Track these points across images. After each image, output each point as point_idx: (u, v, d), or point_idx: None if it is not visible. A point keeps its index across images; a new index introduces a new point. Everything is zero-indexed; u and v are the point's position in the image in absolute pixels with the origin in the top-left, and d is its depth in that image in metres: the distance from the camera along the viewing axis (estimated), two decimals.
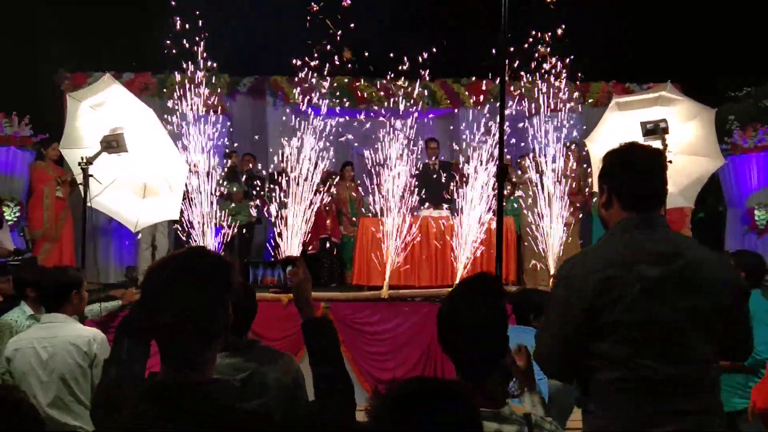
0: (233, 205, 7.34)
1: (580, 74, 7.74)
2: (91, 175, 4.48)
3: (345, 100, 8.65)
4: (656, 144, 4.90)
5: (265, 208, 6.64)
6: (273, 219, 6.47)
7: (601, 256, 1.79)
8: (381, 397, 1.18)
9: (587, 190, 7.09)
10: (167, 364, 1.37)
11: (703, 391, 1.76)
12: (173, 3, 6.39)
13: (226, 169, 7.12)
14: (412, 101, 7.57)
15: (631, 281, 1.72)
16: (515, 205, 7.43)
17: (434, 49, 7.36)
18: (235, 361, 2.28)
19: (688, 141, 5.27)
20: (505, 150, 7.36)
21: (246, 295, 2.37)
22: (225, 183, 6.78)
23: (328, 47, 6.89)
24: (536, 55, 6.68)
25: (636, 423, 1.72)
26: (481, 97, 8.88)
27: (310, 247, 7.20)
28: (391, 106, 7.43)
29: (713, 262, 1.81)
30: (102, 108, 4.75)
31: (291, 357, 2.39)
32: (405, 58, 7.46)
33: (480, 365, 1.68)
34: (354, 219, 7.81)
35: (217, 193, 6.29)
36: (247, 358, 2.29)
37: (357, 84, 8.88)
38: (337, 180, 7.88)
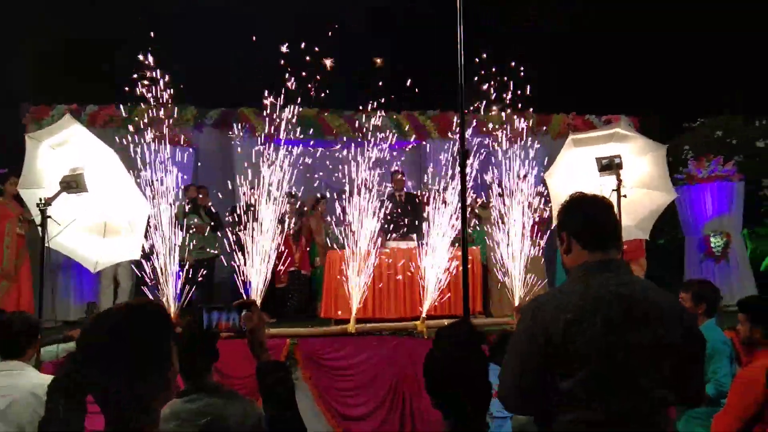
0: (194, 241, 7.25)
1: (541, 105, 7.96)
2: (50, 216, 4.40)
3: (311, 131, 8.70)
4: (611, 179, 5.08)
5: (233, 239, 6.58)
6: (237, 254, 6.42)
7: (567, 297, 1.84)
8: None
9: (547, 221, 7.24)
10: (110, 422, 1.37)
11: (659, 429, 1.81)
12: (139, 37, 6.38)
13: (186, 203, 7.04)
14: (378, 133, 7.67)
15: (593, 322, 1.77)
16: (477, 236, 7.53)
17: (402, 83, 7.49)
18: (195, 407, 2.28)
19: (642, 175, 5.45)
20: (470, 182, 7.54)
21: (204, 338, 2.36)
22: (187, 217, 6.72)
23: (294, 80, 6.95)
24: (495, 86, 6.85)
25: None
26: (449, 129, 9.04)
27: (278, 282, 7.16)
28: (358, 137, 7.51)
29: (673, 308, 1.89)
30: (62, 148, 4.70)
31: (254, 402, 2.38)
32: (373, 92, 7.57)
33: (467, 411, 1.76)
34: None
35: (178, 228, 6.22)
36: (209, 403, 2.29)
37: (324, 116, 8.97)
38: (307, 211, 7.90)
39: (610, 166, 5.07)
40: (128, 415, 1.35)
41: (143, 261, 5.72)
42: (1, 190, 7.04)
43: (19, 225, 6.68)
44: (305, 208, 8.06)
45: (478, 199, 8.01)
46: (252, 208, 6.32)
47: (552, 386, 1.81)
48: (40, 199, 4.40)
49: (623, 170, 5.06)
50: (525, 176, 6.95)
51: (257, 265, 6.02)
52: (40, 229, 4.47)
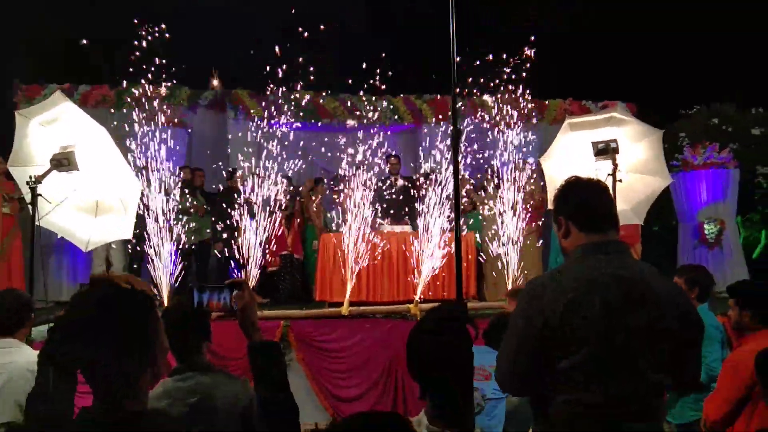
0: (193, 223, 7.22)
1: (538, 90, 7.92)
2: (40, 194, 4.36)
3: (308, 113, 8.65)
4: (607, 163, 5.06)
5: (228, 222, 6.55)
6: (233, 235, 6.40)
7: (566, 278, 1.83)
8: None
9: (544, 205, 7.24)
10: (98, 398, 1.36)
11: (652, 415, 1.82)
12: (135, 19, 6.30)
13: (180, 184, 7.00)
14: (375, 116, 7.62)
15: (592, 304, 1.76)
16: (472, 221, 7.52)
17: (396, 66, 7.43)
18: (187, 385, 2.27)
19: (637, 160, 5.44)
20: (467, 166, 7.52)
21: (195, 317, 2.35)
22: (183, 198, 6.67)
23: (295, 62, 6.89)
24: (495, 70, 6.81)
25: None
26: (445, 113, 8.99)
27: (269, 265, 7.14)
28: (354, 121, 7.47)
29: (671, 292, 1.87)
30: (53, 125, 4.64)
31: (246, 382, 2.37)
32: (370, 74, 7.51)
33: (449, 393, 1.73)
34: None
35: (175, 209, 6.19)
36: (199, 382, 2.28)
37: (320, 99, 8.90)
38: (305, 194, 7.87)
39: (606, 150, 5.05)
40: (115, 391, 1.34)
41: (136, 242, 5.69)
42: None
43: (4, 204, 6.59)
44: (300, 190, 8.02)
45: (473, 183, 7.98)
46: (245, 192, 6.28)
47: (549, 368, 1.80)
48: (30, 177, 4.35)
49: (619, 155, 5.05)
50: (524, 162, 6.94)
51: (252, 246, 6.00)
52: (30, 207, 4.43)
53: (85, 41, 6.65)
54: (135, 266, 7.06)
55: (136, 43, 6.28)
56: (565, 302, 1.77)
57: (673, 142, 8.68)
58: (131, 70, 6.57)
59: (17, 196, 6.42)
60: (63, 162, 4.44)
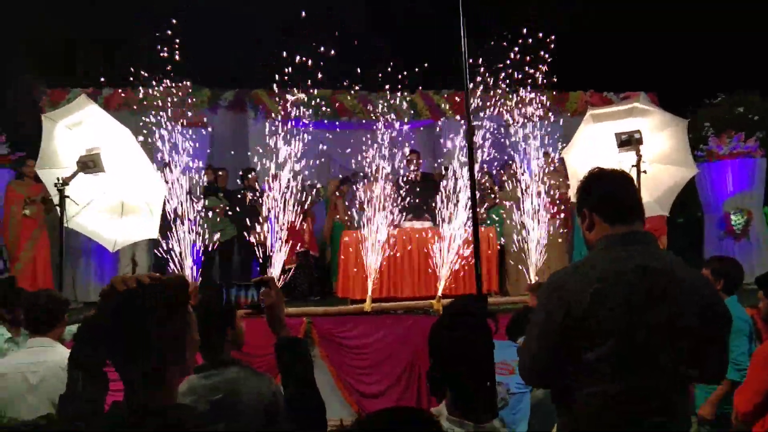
0: (218, 219, 7.32)
1: (558, 82, 7.82)
2: (68, 196, 4.45)
3: (327, 110, 8.67)
4: (631, 154, 4.99)
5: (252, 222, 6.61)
6: (256, 236, 6.46)
7: (591, 270, 1.82)
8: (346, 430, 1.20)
9: (567, 199, 7.17)
10: (128, 388, 1.38)
11: (674, 409, 1.80)
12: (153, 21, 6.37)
13: (203, 185, 7.09)
14: (393, 113, 7.61)
15: (618, 296, 1.75)
16: (496, 217, 7.49)
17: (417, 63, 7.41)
18: (211, 383, 2.28)
19: (661, 151, 5.34)
20: (486, 162, 7.47)
21: (221, 314, 2.37)
22: (205, 199, 6.75)
23: (310, 61, 6.91)
24: (510, 62, 6.75)
25: None
26: (464, 108, 8.93)
27: (286, 262, 7.20)
28: (373, 118, 7.46)
29: (698, 283, 1.85)
30: (78, 128, 4.72)
31: (271, 379, 2.39)
32: (387, 70, 7.50)
33: (468, 385, 1.74)
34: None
35: (199, 209, 6.27)
36: (223, 379, 2.29)
37: (338, 96, 8.92)
38: (331, 191, 7.93)
39: (629, 141, 4.98)
40: (144, 385, 1.36)
41: (161, 241, 5.77)
42: (21, 173, 7.11)
43: (25, 207, 6.72)
44: (317, 188, 8.08)
45: (494, 178, 7.93)
46: (269, 189, 6.32)
47: (572, 360, 1.79)
48: (58, 179, 4.44)
49: (643, 145, 4.98)
50: (545, 154, 6.86)
51: (275, 245, 6.05)
52: (58, 209, 4.52)
53: (100, 44, 6.74)
54: (160, 266, 7.16)
55: (158, 46, 6.35)
56: (590, 293, 1.75)
57: (698, 132, 8.53)
58: (150, 73, 6.66)
59: (40, 199, 6.54)
60: (89, 164, 4.52)
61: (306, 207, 7.41)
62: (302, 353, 1.71)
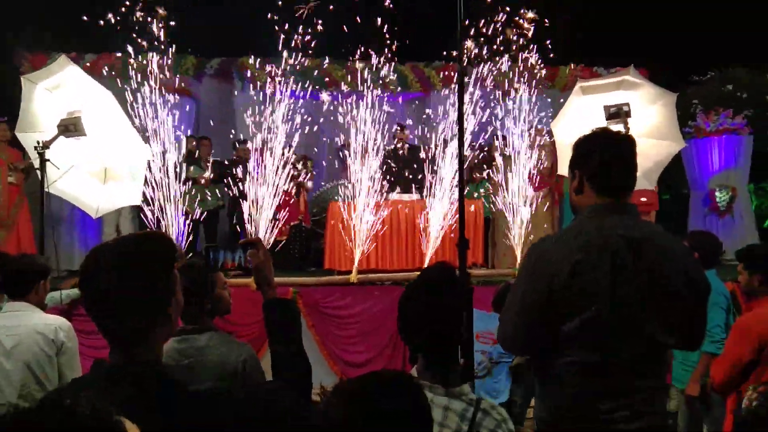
0: (204, 190, 7.23)
1: (548, 56, 7.77)
2: (48, 160, 4.35)
3: (315, 82, 8.54)
4: (618, 127, 4.98)
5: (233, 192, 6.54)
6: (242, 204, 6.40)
7: (574, 239, 1.81)
8: (332, 393, 1.19)
9: (554, 173, 7.17)
10: (114, 346, 1.35)
11: (655, 372, 1.83)
12: None
13: (183, 154, 6.98)
14: (381, 84, 7.52)
15: (601, 265, 1.75)
16: (482, 190, 7.48)
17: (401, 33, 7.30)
18: (182, 347, 2.27)
19: (650, 124, 5.35)
20: (473, 135, 7.44)
21: (200, 280, 2.34)
22: (187, 168, 6.67)
23: (299, 28, 6.77)
24: (503, 37, 6.68)
25: (589, 401, 1.77)
26: (453, 81, 8.86)
27: (279, 234, 7.16)
28: (360, 88, 7.36)
29: (678, 254, 1.85)
30: (58, 90, 4.61)
31: (244, 346, 2.37)
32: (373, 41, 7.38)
33: (436, 351, 1.72)
34: None
35: (181, 178, 6.18)
36: (192, 345, 2.28)
37: (325, 66, 8.79)
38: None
39: (618, 114, 4.97)
40: (131, 345, 1.33)
41: (145, 208, 5.70)
42: None
43: (10, 174, 6.59)
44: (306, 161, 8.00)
45: (484, 153, 7.89)
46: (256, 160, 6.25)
47: (553, 328, 1.80)
48: (38, 142, 4.34)
49: (631, 118, 4.97)
50: (536, 129, 6.83)
51: (263, 213, 6.00)
52: (38, 172, 4.43)
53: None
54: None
55: (139, 13, 6.18)
56: (572, 262, 1.75)
57: (686, 108, 8.55)
58: (135, 37, 6.48)
59: (22, 166, 6.42)
60: (70, 128, 4.43)
61: (299, 179, 7.36)
62: (290, 313, 1.69)
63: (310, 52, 6.93)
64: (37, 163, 4.37)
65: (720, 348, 3.51)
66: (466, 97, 6.37)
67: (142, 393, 1.27)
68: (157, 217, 5.93)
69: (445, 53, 8.54)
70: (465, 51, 3.89)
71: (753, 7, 9.71)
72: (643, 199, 6.85)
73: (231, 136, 7.99)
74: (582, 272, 1.74)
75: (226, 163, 7.57)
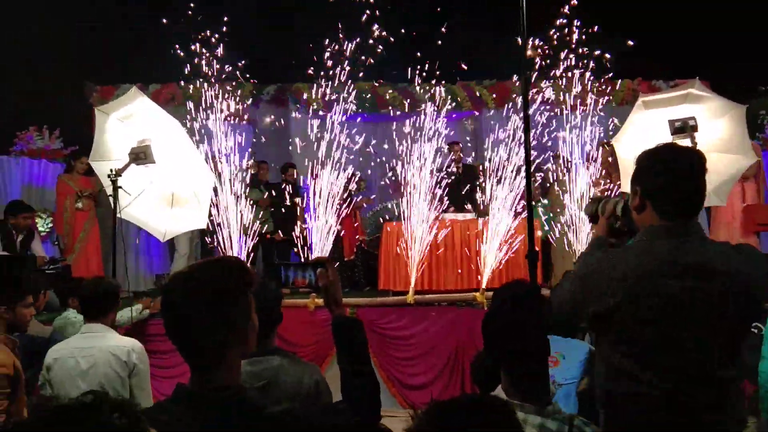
0: (261, 213, 7.40)
1: (605, 72, 7.61)
2: (120, 187, 4.56)
3: (367, 105, 8.67)
4: (685, 142, 4.81)
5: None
6: (298, 230, 6.53)
7: (624, 264, 1.72)
8: (423, 414, 1.18)
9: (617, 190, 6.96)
10: (194, 369, 1.39)
11: (724, 408, 1.69)
12: (195, 15, 6.46)
13: (248, 178, 7.18)
14: (434, 105, 7.53)
15: (654, 295, 1.67)
16: (541, 209, 7.35)
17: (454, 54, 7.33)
18: (256, 369, 2.30)
19: (718, 138, 5.13)
20: (532, 152, 7.32)
21: (268, 299, 2.37)
22: (248, 191, 6.84)
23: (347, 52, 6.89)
24: (561, 53, 6.59)
25: None
26: (505, 99, 8.79)
27: (347, 255, 7.27)
28: (413, 110, 7.40)
29: (751, 275, 1.69)
30: (129, 120, 4.84)
31: (314, 367, 2.39)
32: (425, 63, 7.44)
33: (524, 367, 1.71)
34: None
35: (244, 202, 6.34)
36: (266, 367, 2.30)
37: (378, 88, 8.91)
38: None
39: (683, 128, 4.80)
40: (209, 369, 1.36)
41: (208, 232, 5.86)
42: (70, 167, 7.32)
43: (78, 199, 6.93)
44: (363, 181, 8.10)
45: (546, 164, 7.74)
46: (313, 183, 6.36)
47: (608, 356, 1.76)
48: (111, 170, 4.56)
49: (698, 133, 4.79)
50: (601, 144, 6.67)
51: (322, 235, 6.08)
52: (111, 199, 4.64)
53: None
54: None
55: (200, 39, 6.44)
56: (625, 289, 1.68)
57: (753, 120, 8.17)
58: (196, 66, 6.75)
59: (89, 193, 6.77)
60: (140, 155, 4.63)
61: (355, 200, 7.46)
62: (358, 332, 1.71)
63: (360, 75, 7.06)
64: (110, 190, 4.59)
65: None
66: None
67: (222, 416, 1.30)
68: (222, 239, 6.10)
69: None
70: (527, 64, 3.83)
71: None
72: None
73: (286, 159, 8.17)
74: (632, 302, 1.68)
75: (280, 190, 7.74)
